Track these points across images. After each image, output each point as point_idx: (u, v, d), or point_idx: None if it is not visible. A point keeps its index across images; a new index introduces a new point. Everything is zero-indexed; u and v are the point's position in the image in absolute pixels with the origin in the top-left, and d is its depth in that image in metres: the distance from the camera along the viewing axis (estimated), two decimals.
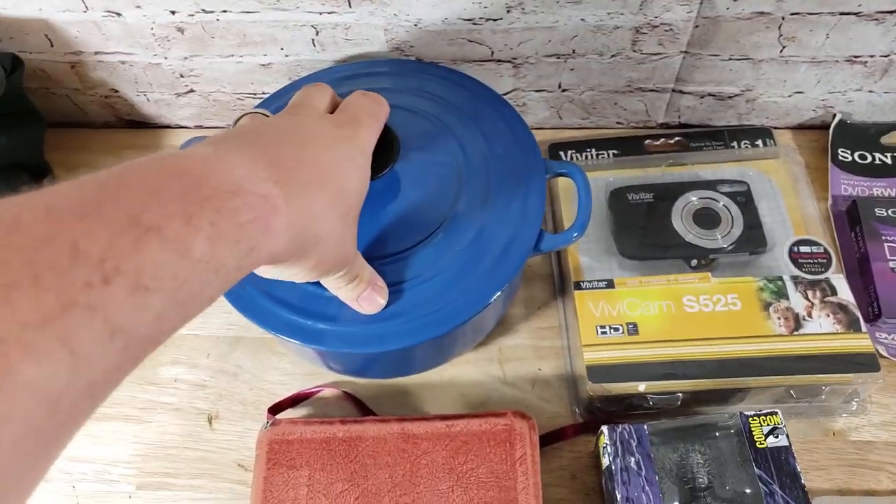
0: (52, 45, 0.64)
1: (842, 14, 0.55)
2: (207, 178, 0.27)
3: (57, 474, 0.54)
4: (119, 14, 0.60)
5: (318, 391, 0.56)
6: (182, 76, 0.67)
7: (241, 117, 0.41)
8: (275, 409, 0.55)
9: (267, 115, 0.41)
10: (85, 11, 0.60)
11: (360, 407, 0.55)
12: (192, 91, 0.69)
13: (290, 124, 0.36)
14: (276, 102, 0.55)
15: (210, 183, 0.27)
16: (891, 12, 0.55)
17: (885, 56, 0.59)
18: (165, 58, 0.65)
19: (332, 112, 0.41)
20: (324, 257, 0.36)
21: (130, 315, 0.22)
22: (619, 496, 0.45)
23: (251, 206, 0.28)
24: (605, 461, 0.47)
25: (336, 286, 0.41)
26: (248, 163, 0.30)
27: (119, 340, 0.22)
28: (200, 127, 0.74)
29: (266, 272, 0.36)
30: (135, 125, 0.75)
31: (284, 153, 0.33)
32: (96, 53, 0.65)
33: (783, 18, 0.56)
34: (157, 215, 0.24)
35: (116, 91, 0.70)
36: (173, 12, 0.59)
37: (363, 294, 0.43)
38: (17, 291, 0.20)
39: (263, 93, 0.68)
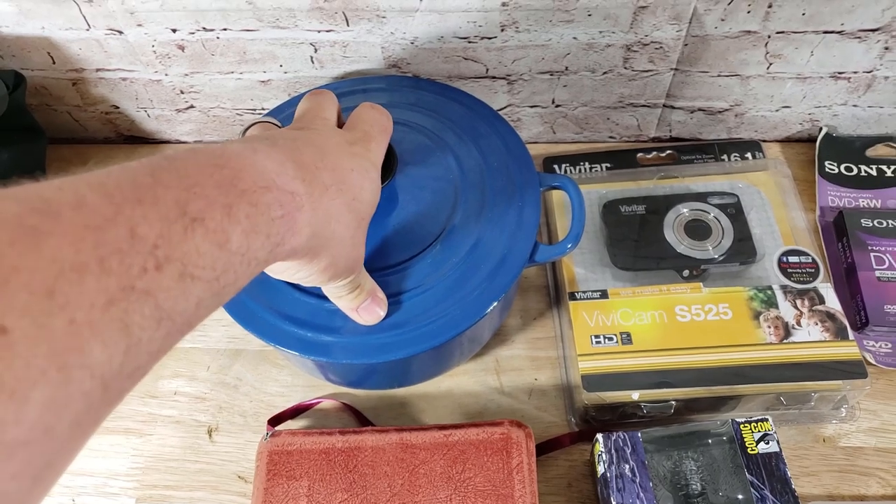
0: (53, 63, 0.65)
1: (825, 32, 0.57)
2: (244, 173, 0.28)
3: (56, 488, 0.55)
4: (121, 32, 0.61)
5: (318, 403, 0.57)
6: (182, 92, 0.68)
7: (251, 126, 0.42)
8: (275, 421, 0.56)
9: (277, 125, 0.42)
10: (87, 30, 0.61)
11: (359, 418, 0.56)
12: (192, 107, 0.70)
13: (306, 135, 0.37)
14: (275, 118, 0.56)
15: (246, 177, 0.28)
16: (873, 30, 0.56)
17: (868, 72, 0.60)
18: (166, 74, 0.66)
19: (337, 122, 0.42)
20: (335, 260, 0.37)
21: (176, 301, 0.23)
22: (614, 503, 0.46)
23: (281, 203, 0.29)
24: (601, 469, 0.47)
25: (338, 294, 0.42)
26: (277, 161, 0.31)
27: (165, 326, 0.23)
28: (200, 142, 0.75)
29: (279, 272, 0.36)
30: (134, 141, 0.75)
31: (306, 157, 0.34)
32: (98, 70, 0.66)
33: (769, 37, 0.57)
34: (201, 206, 0.25)
35: (117, 107, 0.71)
36: (174, 30, 0.60)
37: (363, 304, 0.44)
38: (87, 272, 0.20)
39: (263, 108, 0.69)
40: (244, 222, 0.27)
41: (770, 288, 0.55)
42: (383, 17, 0.58)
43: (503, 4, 0.55)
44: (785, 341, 0.52)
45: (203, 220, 0.25)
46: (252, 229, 0.27)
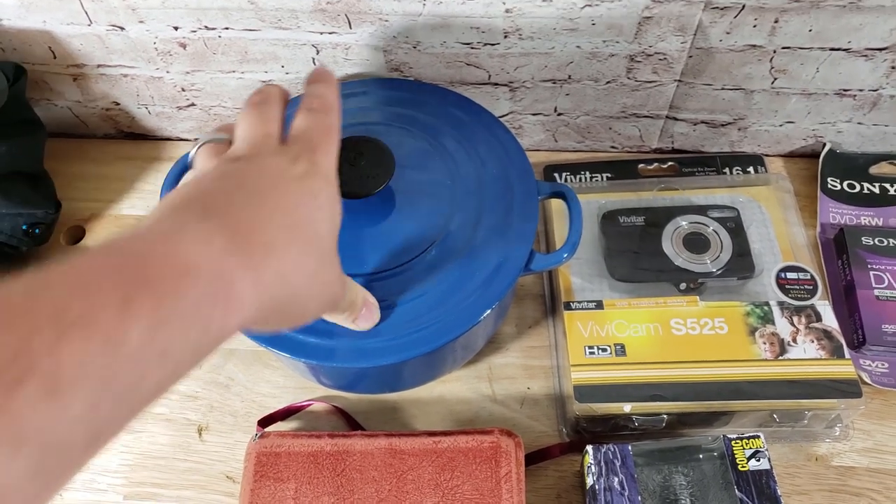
0: (54, 57, 0.65)
1: (832, 50, 0.56)
2: (155, 260, 0.26)
3: None
4: (122, 28, 0.61)
5: (309, 405, 0.57)
6: (183, 90, 0.68)
7: (202, 145, 0.38)
8: (265, 422, 0.55)
9: (230, 140, 0.38)
10: (89, 25, 0.61)
11: (350, 421, 0.55)
12: (193, 105, 0.70)
13: (244, 174, 0.34)
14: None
15: (157, 264, 0.26)
16: (880, 49, 0.56)
17: (874, 90, 0.60)
18: (167, 72, 0.66)
19: (282, 121, 0.39)
20: (306, 309, 0.35)
21: (45, 419, 0.21)
22: None
23: (205, 283, 0.27)
24: (590, 481, 0.47)
25: (332, 317, 0.42)
26: (203, 234, 0.28)
27: (30, 449, 0.20)
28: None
29: (258, 330, 0.34)
30: (135, 137, 0.75)
31: (244, 214, 0.31)
32: (99, 66, 0.66)
33: (775, 52, 0.57)
34: (86, 307, 0.23)
35: (118, 104, 0.70)
36: (176, 28, 0.60)
37: (360, 316, 0.43)
38: None
39: None
40: (147, 316, 0.24)
41: (767, 304, 0.55)
42: (386, 21, 0.57)
43: (507, 11, 0.55)
44: (780, 358, 0.52)
45: (87, 323, 0.22)
46: (160, 321, 0.24)
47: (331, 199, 0.36)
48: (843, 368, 0.51)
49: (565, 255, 0.49)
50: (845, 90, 0.60)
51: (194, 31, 0.60)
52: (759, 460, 0.46)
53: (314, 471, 0.50)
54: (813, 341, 0.53)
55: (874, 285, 0.57)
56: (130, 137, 0.75)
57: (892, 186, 0.64)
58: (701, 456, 0.47)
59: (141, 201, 0.70)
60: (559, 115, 0.66)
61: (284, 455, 0.50)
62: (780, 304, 0.55)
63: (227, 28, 0.60)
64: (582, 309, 0.56)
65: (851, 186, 0.65)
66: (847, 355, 0.52)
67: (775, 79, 0.60)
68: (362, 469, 0.49)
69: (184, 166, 0.54)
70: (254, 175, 0.33)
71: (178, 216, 0.29)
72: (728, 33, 0.56)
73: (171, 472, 0.55)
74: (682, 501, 0.45)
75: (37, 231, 0.62)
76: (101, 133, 0.75)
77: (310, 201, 0.34)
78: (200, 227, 0.29)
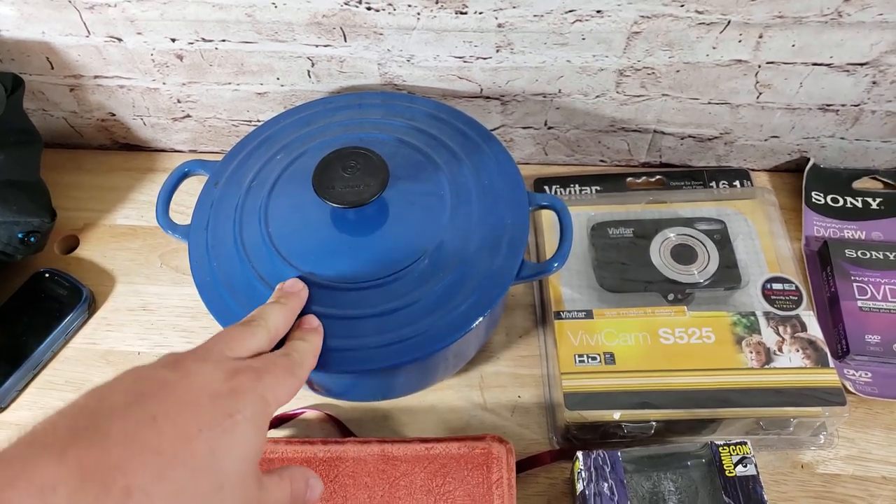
0: (52, 68, 0.66)
1: (814, 65, 0.58)
2: None
3: None
4: (120, 39, 0.62)
5: (301, 413, 0.57)
6: (179, 101, 0.68)
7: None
8: None
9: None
10: (87, 36, 0.62)
11: (342, 429, 0.56)
12: (188, 116, 0.70)
13: (157, 384, 0.32)
14: (268, 130, 0.56)
15: None
16: (861, 65, 0.57)
17: (856, 105, 0.61)
18: (164, 83, 0.66)
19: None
20: None
21: None
22: None
23: None
24: (580, 486, 0.48)
25: None
26: (47, 480, 0.26)
27: None
28: (195, 151, 0.75)
29: None
30: (129, 148, 0.76)
31: (118, 446, 0.29)
32: (96, 77, 0.67)
33: (759, 66, 0.58)
34: None
35: (113, 115, 0.71)
36: (173, 40, 0.61)
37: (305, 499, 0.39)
38: None
39: (258, 120, 0.70)
40: None
41: (753, 314, 0.56)
42: (380, 35, 0.58)
43: (499, 26, 0.56)
44: (766, 367, 0.53)
45: None
46: None
47: (253, 419, 0.34)
48: (827, 377, 0.52)
49: (556, 265, 0.50)
50: (828, 105, 0.62)
51: (191, 43, 0.61)
52: (745, 466, 0.47)
53: None
54: (798, 350, 0.54)
55: (857, 296, 0.58)
56: (125, 148, 0.76)
57: (874, 201, 0.65)
58: (689, 462, 0.48)
59: (135, 211, 0.70)
60: (549, 128, 0.67)
61: (278, 461, 0.51)
62: (766, 314, 0.56)
63: (224, 40, 0.61)
64: (572, 318, 0.56)
65: (835, 200, 0.66)
66: (831, 364, 0.53)
67: (760, 93, 0.61)
68: (355, 475, 0.50)
69: (180, 176, 0.55)
70: (169, 387, 0.32)
71: (37, 448, 0.28)
72: (714, 48, 0.57)
73: None
74: None
75: (32, 240, 0.62)
76: (96, 144, 0.76)
77: (221, 423, 0.32)
78: (48, 470, 0.27)
